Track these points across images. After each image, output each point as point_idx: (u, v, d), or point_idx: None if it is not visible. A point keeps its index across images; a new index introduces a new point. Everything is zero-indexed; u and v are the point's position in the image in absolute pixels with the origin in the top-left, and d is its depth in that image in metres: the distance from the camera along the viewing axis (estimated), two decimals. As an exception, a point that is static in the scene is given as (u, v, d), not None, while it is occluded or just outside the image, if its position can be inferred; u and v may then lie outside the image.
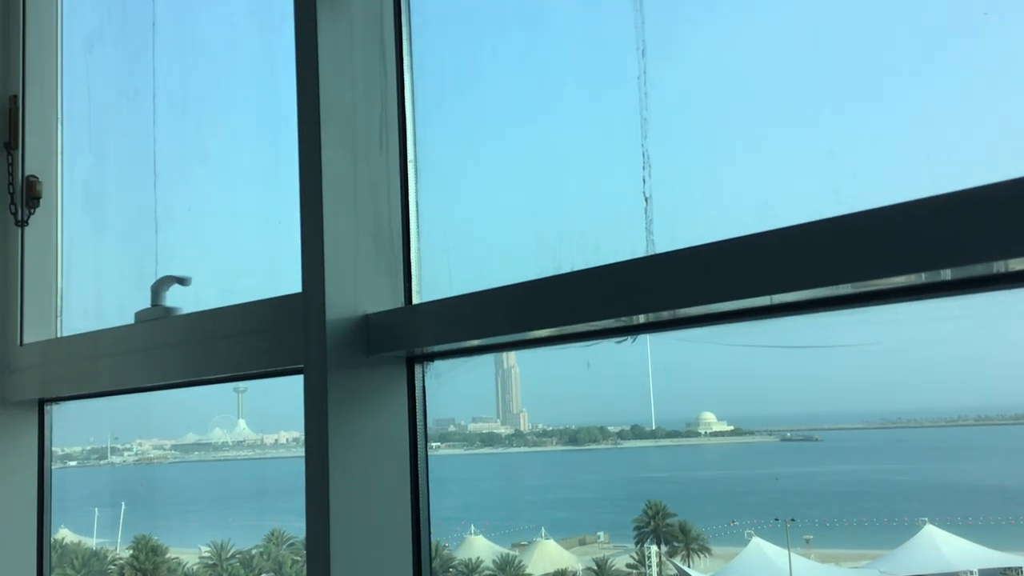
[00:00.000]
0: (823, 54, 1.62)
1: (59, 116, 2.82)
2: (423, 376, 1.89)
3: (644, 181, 1.58)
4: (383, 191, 1.91)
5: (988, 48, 1.39)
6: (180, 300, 2.34)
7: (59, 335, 2.77)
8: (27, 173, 2.72)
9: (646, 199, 1.58)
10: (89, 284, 2.96)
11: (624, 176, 1.60)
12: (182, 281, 2.34)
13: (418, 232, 1.94)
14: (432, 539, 1.90)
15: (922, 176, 1.20)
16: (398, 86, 1.96)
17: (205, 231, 2.89)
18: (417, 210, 1.95)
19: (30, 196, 2.70)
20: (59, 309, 2.79)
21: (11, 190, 2.71)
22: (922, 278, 1.11)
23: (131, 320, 2.39)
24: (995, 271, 1.05)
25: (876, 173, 1.44)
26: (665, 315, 1.39)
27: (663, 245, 1.48)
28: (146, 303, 2.36)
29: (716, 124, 1.77)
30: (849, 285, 1.16)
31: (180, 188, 2.81)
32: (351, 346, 1.82)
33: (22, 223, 2.71)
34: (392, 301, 1.90)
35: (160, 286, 2.34)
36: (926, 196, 1.05)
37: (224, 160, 2.93)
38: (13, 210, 2.70)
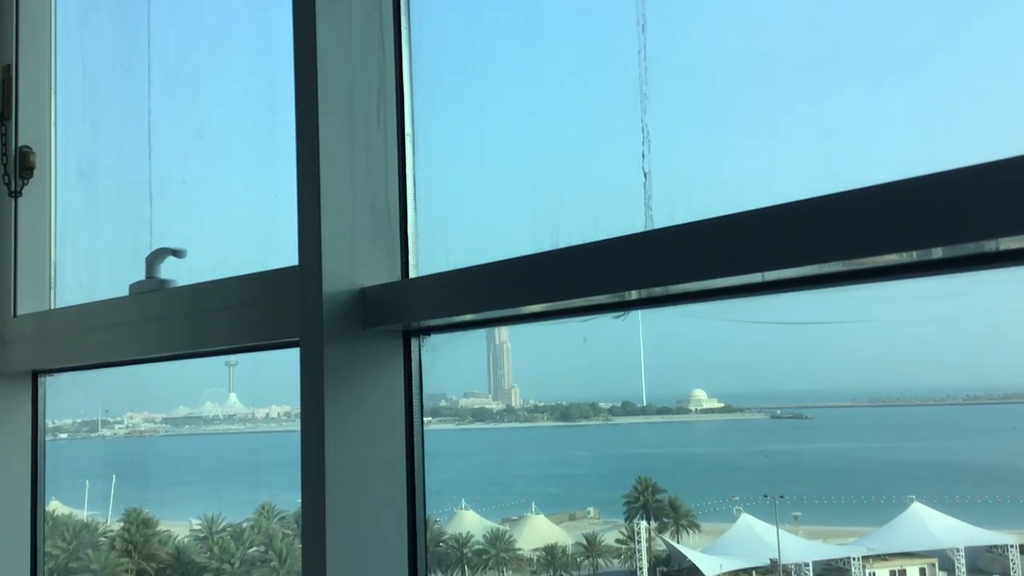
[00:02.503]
0: (824, 32, 1.62)
1: (53, 87, 2.80)
2: (419, 350, 1.90)
3: (643, 156, 1.58)
4: (380, 164, 1.91)
5: (989, 28, 1.39)
6: (175, 272, 2.33)
7: (53, 307, 2.76)
8: (20, 144, 2.71)
9: (645, 174, 1.58)
10: (83, 256, 2.95)
11: (623, 151, 1.60)
12: (177, 253, 2.34)
13: (415, 205, 1.94)
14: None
15: (920, 154, 1.21)
16: (396, 59, 1.95)
17: (200, 203, 2.88)
18: (414, 183, 1.94)
19: (23, 167, 2.69)
20: (53, 281, 2.78)
21: (4, 161, 2.69)
22: (913, 256, 1.11)
23: (125, 292, 2.39)
24: (986, 250, 1.06)
25: (874, 151, 1.45)
26: (658, 291, 1.40)
27: (662, 220, 1.48)
28: (140, 275, 2.35)
29: (716, 101, 1.77)
30: (840, 263, 1.16)
31: (175, 160, 2.79)
32: (347, 319, 1.82)
33: (15, 194, 2.69)
34: (389, 274, 1.90)
35: (155, 258, 2.34)
36: (917, 175, 1.06)
37: (220, 132, 2.91)
38: (6, 181, 2.69)
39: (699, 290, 1.36)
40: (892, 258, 1.13)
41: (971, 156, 1.02)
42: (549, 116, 2.04)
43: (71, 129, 2.83)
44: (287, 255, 1.91)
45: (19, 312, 2.71)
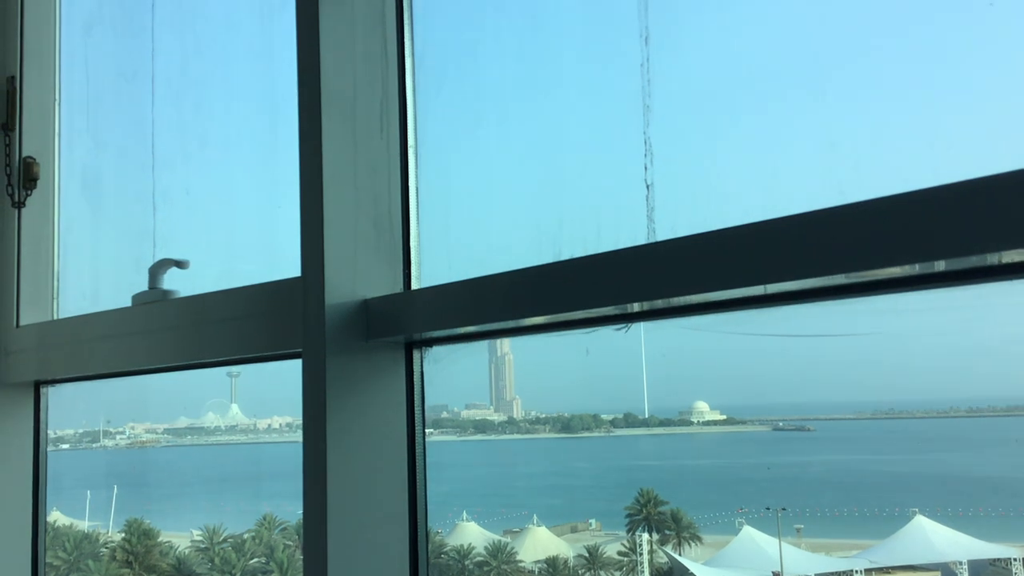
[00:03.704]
0: (827, 44, 1.62)
1: (57, 97, 2.81)
2: (421, 361, 1.90)
3: (646, 169, 1.58)
4: (383, 176, 1.91)
5: (992, 39, 1.39)
6: (178, 283, 2.34)
7: (56, 317, 2.76)
8: (24, 154, 2.71)
9: (648, 187, 1.58)
10: (86, 266, 2.95)
11: (626, 163, 1.60)
12: (180, 264, 2.34)
13: (418, 217, 1.95)
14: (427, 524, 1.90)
15: (925, 167, 1.21)
16: (399, 70, 1.96)
17: (203, 214, 2.89)
18: (417, 195, 1.95)
19: (27, 178, 2.70)
20: (56, 291, 2.78)
21: (8, 171, 2.70)
22: (916, 269, 1.11)
23: (128, 303, 2.39)
24: (989, 263, 1.06)
25: (878, 164, 1.45)
26: (660, 303, 1.39)
27: (664, 233, 1.48)
28: (143, 286, 2.36)
29: (719, 113, 1.77)
30: (843, 275, 1.16)
31: (178, 171, 2.80)
32: (350, 331, 1.82)
33: (19, 204, 2.70)
34: (391, 286, 1.90)
35: (158, 269, 2.34)
36: (918, 188, 1.06)
37: (223, 143, 2.92)
38: (10, 192, 2.70)
39: (702, 302, 1.36)
40: (895, 271, 1.12)
41: (975, 168, 1.02)
42: (552, 128, 2.05)
43: (75, 140, 2.84)
44: (289, 267, 1.91)
45: (22, 322, 2.71)
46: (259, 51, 2.75)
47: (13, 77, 2.75)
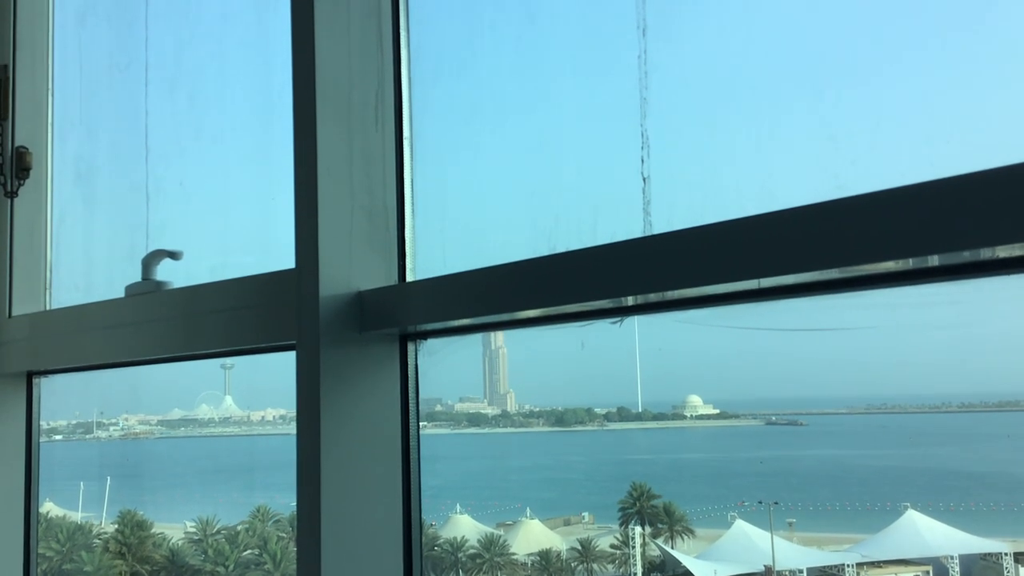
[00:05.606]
0: (825, 37, 1.62)
1: (50, 87, 2.80)
2: (416, 354, 1.89)
3: (643, 161, 1.58)
4: (378, 167, 1.90)
5: (990, 35, 1.39)
6: (171, 275, 2.33)
7: (48, 308, 2.75)
8: (17, 144, 2.70)
9: (644, 180, 1.58)
10: (79, 257, 2.95)
11: (622, 156, 1.60)
12: (173, 255, 2.33)
13: (412, 209, 1.94)
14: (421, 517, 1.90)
15: (922, 162, 1.21)
16: (394, 62, 1.95)
17: (197, 206, 2.88)
18: (412, 187, 1.94)
19: (20, 167, 2.68)
20: (48, 282, 2.78)
21: (1, 161, 2.68)
22: (910, 264, 1.11)
23: (121, 294, 2.38)
24: (983, 258, 1.06)
25: (876, 158, 1.45)
26: (654, 297, 1.39)
27: (660, 226, 1.48)
28: (137, 277, 2.35)
29: (716, 106, 1.76)
30: (837, 270, 1.16)
31: (172, 162, 2.79)
32: (344, 323, 1.82)
33: (12, 194, 2.68)
34: (385, 278, 1.89)
35: (151, 260, 2.33)
36: (911, 183, 1.05)
37: (217, 134, 2.91)
38: (2, 181, 2.68)
39: (696, 296, 1.36)
40: (889, 265, 1.12)
41: (974, 163, 1.02)
42: (548, 120, 2.04)
43: (68, 130, 2.83)
44: (284, 258, 1.91)
45: (14, 313, 2.71)
46: (254, 41, 2.73)
47: (6, 66, 2.73)
